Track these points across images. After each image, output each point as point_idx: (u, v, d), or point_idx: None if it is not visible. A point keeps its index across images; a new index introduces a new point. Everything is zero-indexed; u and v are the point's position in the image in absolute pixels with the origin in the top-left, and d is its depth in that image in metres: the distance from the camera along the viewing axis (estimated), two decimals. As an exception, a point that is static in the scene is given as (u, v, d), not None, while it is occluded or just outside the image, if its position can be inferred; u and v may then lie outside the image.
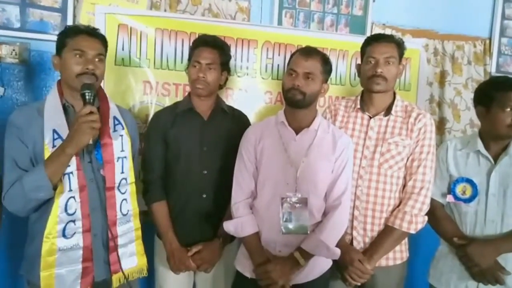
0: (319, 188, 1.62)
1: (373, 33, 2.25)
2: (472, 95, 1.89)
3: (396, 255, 1.77)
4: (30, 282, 1.50)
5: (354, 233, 1.74)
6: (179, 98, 2.12)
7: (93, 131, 1.35)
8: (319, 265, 1.64)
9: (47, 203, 1.40)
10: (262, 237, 1.64)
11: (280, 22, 2.42)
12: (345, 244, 1.70)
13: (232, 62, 2.13)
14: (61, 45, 1.47)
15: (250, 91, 2.32)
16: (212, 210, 1.79)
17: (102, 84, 1.62)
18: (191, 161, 1.76)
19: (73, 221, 1.42)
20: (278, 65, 2.34)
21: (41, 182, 1.34)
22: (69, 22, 2.07)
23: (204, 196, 1.78)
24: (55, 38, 2.02)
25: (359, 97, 1.83)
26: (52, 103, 1.46)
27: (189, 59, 1.82)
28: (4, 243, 1.89)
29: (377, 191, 1.72)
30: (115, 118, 1.55)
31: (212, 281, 1.85)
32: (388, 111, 1.76)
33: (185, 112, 1.79)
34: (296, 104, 1.60)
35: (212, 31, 1.99)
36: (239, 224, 1.64)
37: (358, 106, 1.80)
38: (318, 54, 1.63)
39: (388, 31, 2.51)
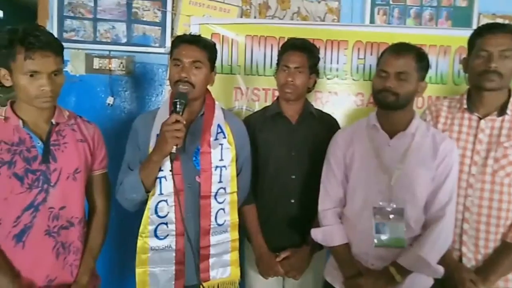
0: (418, 198, 1.48)
1: (480, 25, 2.00)
2: None
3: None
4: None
5: (464, 249, 1.56)
6: (268, 103, 2.14)
7: (175, 140, 1.34)
8: (419, 284, 1.49)
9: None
10: (352, 248, 1.56)
11: (372, 20, 2.30)
12: (453, 262, 1.54)
13: (321, 64, 2.08)
14: (170, 56, 1.55)
15: (340, 93, 2.25)
16: (300, 215, 1.76)
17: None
18: (279, 165, 1.75)
19: (166, 223, 1.47)
20: (370, 65, 2.23)
21: (136, 184, 1.44)
22: (168, 34, 2.22)
23: (293, 201, 1.76)
24: (156, 50, 2.23)
25: (465, 96, 1.63)
26: (163, 110, 1.55)
27: (278, 64, 1.82)
28: (118, 236, 2.07)
29: (492, 202, 1.52)
30: (218, 126, 1.55)
31: (301, 289, 1.81)
32: (502, 110, 1.54)
33: (274, 116, 1.79)
34: (388, 106, 1.48)
35: (300, 34, 1.96)
36: (327, 233, 1.58)
37: (465, 106, 1.61)
38: (411, 50, 1.49)
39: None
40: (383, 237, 1.48)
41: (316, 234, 1.60)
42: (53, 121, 1.40)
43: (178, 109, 1.39)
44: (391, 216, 1.47)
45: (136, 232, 1.58)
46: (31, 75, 1.27)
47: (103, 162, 1.56)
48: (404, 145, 1.50)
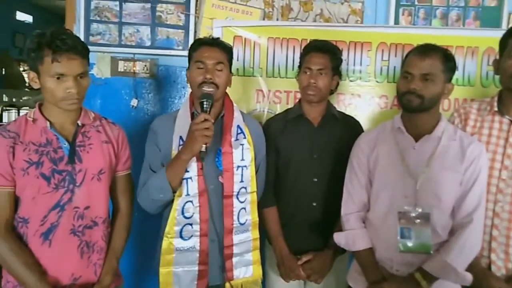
0: (444, 203, 1.44)
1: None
2: None
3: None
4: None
5: (493, 257, 1.50)
6: (290, 105, 2.12)
7: (204, 138, 1.37)
8: (445, 291, 1.45)
9: (172, 203, 1.50)
10: (376, 253, 1.53)
11: (397, 22, 2.26)
12: (481, 269, 1.48)
13: (344, 66, 2.08)
14: (189, 59, 1.59)
15: (364, 95, 2.22)
16: (322, 219, 1.74)
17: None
18: (301, 168, 1.74)
19: (190, 224, 1.49)
20: (395, 67, 2.19)
21: (162, 184, 1.45)
22: (191, 37, 2.24)
23: (315, 204, 1.74)
24: (179, 53, 2.25)
25: (496, 98, 1.57)
26: (183, 112, 1.57)
27: (300, 66, 1.80)
28: (137, 239, 2.09)
29: None
30: (238, 127, 1.58)
31: (323, 293, 1.79)
32: None
33: (295, 119, 1.78)
34: (413, 109, 1.45)
35: (323, 36, 1.94)
36: (350, 237, 1.56)
37: (496, 109, 1.55)
38: (437, 50, 1.45)
39: (531, 21, 2.15)
40: (408, 242, 1.45)
41: (339, 238, 1.58)
42: (79, 122, 1.43)
43: (205, 108, 1.42)
44: (417, 221, 1.44)
45: (156, 233, 1.61)
46: (58, 78, 1.30)
47: (127, 163, 1.58)
48: (430, 149, 1.47)
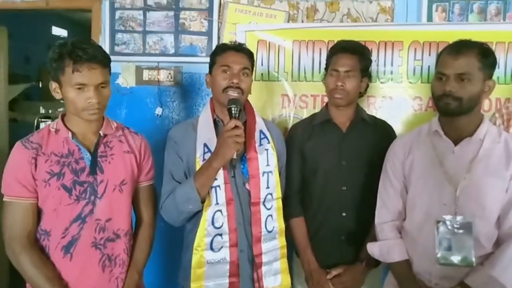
0: (489, 211, 1.32)
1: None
2: None
3: None
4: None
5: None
6: (317, 109, 2.06)
7: (237, 145, 1.35)
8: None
9: (199, 214, 1.46)
10: (413, 266, 1.43)
11: (430, 18, 2.14)
12: None
13: (373, 67, 2.00)
14: (211, 63, 1.56)
15: (396, 98, 2.12)
16: (353, 230, 1.65)
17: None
18: (329, 176, 1.66)
19: (220, 234, 1.44)
20: (429, 66, 2.08)
21: (191, 194, 1.40)
22: (214, 43, 2.21)
23: (344, 214, 1.65)
24: (203, 60, 2.22)
25: (542, 97, 1.45)
26: (204, 118, 1.54)
27: (326, 68, 1.73)
28: (163, 251, 2.07)
29: None
30: (261, 132, 1.54)
31: (354, 309, 1.69)
32: None
33: (322, 124, 1.71)
34: (451, 113, 1.35)
35: (351, 37, 1.85)
36: (385, 247, 1.47)
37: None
38: (472, 47, 1.34)
39: None
40: (449, 254, 1.34)
41: (373, 248, 1.50)
42: (101, 132, 1.41)
43: (234, 114, 1.39)
44: (457, 230, 1.33)
45: (181, 244, 1.56)
46: (79, 88, 1.29)
47: (150, 174, 1.55)
48: (471, 152, 1.36)
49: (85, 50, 1.27)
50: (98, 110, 1.33)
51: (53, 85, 1.34)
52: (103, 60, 1.32)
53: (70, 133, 1.36)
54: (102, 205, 1.36)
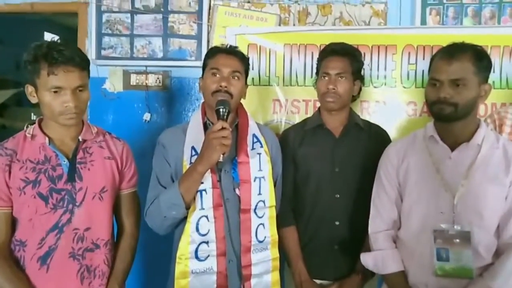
0: (487, 220, 1.27)
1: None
2: None
3: None
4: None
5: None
6: (309, 115, 2.00)
7: (223, 147, 1.27)
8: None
9: (185, 222, 1.38)
10: (409, 277, 1.37)
11: (424, 22, 2.11)
12: None
13: (367, 71, 1.96)
14: (203, 67, 1.50)
15: (389, 102, 2.07)
16: (347, 239, 1.59)
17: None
18: (321, 183, 1.60)
19: (206, 242, 1.37)
20: (423, 70, 2.03)
21: (175, 200, 1.33)
22: (204, 47, 2.17)
23: (337, 223, 1.59)
24: (192, 64, 2.17)
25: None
26: (194, 122, 1.48)
27: (317, 73, 1.68)
28: (147, 261, 2.00)
29: None
30: (254, 135, 1.48)
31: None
32: None
33: (315, 129, 1.65)
34: (446, 119, 1.30)
35: (343, 40, 1.80)
36: (379, 258, 1.41)
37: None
38: (465, 50, 1.29)
39: None
40: (446, 265, 1.30)
41: (366, 259, 1.44)
42: (80, 138, 1.34)
43: (222, 115, 1.33)
44: (455, 240, 1.29)
45: (168, 256, 1.48)
46: (55, 91, 1.23)
47: (132, 181, 1.48)
48: (469, 158, 1.30)
49: (61, 52, 1.21)
50: (76, 114, 1.26)
51: (29, 89, 1.27)
52: (80, 62, 1.26)
53: (47, 139, 1.30)
54: (81, 213, 1.30)
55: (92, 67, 2.16)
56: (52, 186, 1.26)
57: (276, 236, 1.46)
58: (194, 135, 1.43)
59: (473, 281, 1.26)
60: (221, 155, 1.28)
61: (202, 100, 1.54)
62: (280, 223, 1.61)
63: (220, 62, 1.43)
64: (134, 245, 1.47)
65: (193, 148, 1.40)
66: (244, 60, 1.49)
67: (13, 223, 1.28)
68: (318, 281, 1.60)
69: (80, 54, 1.28)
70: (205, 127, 1.46)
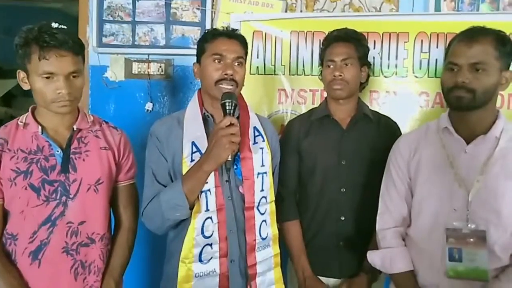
0: (505, 219, 1.20)
1: None
2: None
3: None
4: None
5: None
6: (316, 105, 1.93)
7: (232, 145, 1.20)
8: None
9: (184, 221, 1.33)
10: (419, 278, 1.31)
11: (438, 8, 2.01)
12: None
13: (377, 60, 1.90)
14: (200, 51, 1.40)
15: (400, 93, 1.99)
16: (352, 235, 1.54)
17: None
18: (327, 176, 1.54)
19: (210, 244, 1.31)
20: (437, 59, 1.95)
21: (178, 200, 1.26)
22: (208, 35, 2.08)
23: (343, 218, 1.54)
24: (195, 52, 2.10)
25: None
26: (192, 113, 1.39)
27: (321, 63, 1.61)
28: (144, 258, 1.95)
29: None
30: (255, 128, 1.41)
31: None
32: None
33: (321, 119, 1.59)
34: (463, 107, 1.22)
35: (353, 27, 1.72)
36: (387, 256, 1.35)
37: None
38: (487, 34, 1.22)
39: None
40: (459, 266, 1.23)
41: (373, 257, 1.38)
42: (75, 127, 1.29)
43: (228, 110, 1.24)
44: (469, 240, 1.22)
45: (164, 251, 1.43)
46: (47, 77, 1.17)
47: (130, 172, 1.43)
48: (486, 152, 1.23)
49: (53, 36, 1.15)
50: (69, 102, 1.21)
51: (21, 75, 1.22)
52: (74, 46, 1.20)
53: (40, 128, 1.24)
54: (75, 206, 1.25)
55: (93, 55, 2.16)
56: (44, 177, 1.22)
57: (277, 232, 1.41)
58: (193, 129, 1.35)
59: (489, 283, 1.20)
60: (230, 154, 1.22)
61: (198, 88, 1.45)
62: (284, 217, 1.57)
63: (222, 48, 1.34)
64: (132, 240, 1.42)
65: (193, 144, 1.32)
66: (245, 44, 1.41)
67: (5, 215, 1.24)
68: (322, 279, 1.55)
69: (74, 38, 1.22)
70: (204, 119, 1.38)
